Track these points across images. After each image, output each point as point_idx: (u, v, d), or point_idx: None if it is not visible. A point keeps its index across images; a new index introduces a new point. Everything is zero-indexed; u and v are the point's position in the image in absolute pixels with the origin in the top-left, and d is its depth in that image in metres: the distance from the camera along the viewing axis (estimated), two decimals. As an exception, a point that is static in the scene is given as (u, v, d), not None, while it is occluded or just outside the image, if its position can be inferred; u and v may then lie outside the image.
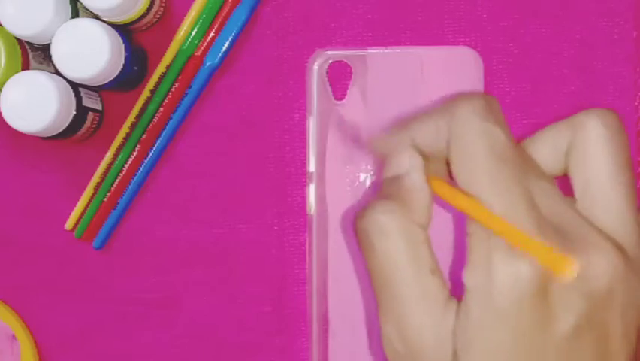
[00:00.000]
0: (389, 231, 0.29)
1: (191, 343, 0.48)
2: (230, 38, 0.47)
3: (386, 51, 0.46)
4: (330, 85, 0.47)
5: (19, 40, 0.43)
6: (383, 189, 0.31)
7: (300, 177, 0.47)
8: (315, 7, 0.47)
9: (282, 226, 0.47)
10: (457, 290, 0.29)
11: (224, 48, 0.47)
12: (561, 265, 0.26)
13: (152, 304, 0.48)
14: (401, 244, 0.29)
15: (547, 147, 0.30)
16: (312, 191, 0.46)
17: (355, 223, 0.31)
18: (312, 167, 0.46)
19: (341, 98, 0.46)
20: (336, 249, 0.46)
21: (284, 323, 0.47)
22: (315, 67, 0.46)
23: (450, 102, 0.29)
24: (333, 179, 0.46)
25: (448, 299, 0.29)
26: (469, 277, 0.28)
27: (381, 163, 0.32)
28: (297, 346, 0.47)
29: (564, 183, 0.30)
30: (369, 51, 0.46)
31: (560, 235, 0.27)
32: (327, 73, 0.46)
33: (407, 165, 0.31)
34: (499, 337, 0.27)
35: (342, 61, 0.47)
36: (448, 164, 0.30)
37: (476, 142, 0.28)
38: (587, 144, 0.29)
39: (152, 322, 0.48)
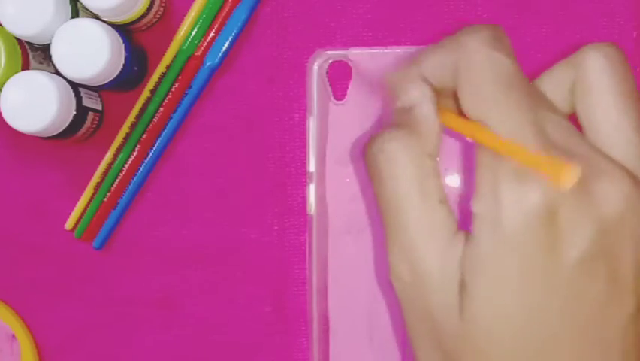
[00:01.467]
0: (398, 158, 0.29)
1: (191, 343, 0.48)
2: (230, 38, 0.47)
3: (386, 51, 0.46)
4: (330, 85, 0.47)
5: (19, 40, 0.43)
6: (394, 119, 0.31)
7: (300, 177, 0.47)
8: (315, 7, 0.47)
9: (282, 225, 0.47)
10: (466, 224, 0.29)
11: (224, 48, 0.47)
12: (563, 172, 0.26)
13: (152, 304, 0.48)
14: (410, 172, 0.29)
15: (552, 86, 0.30)
16: (312, 191, 0.46)
17: (364, 151, 0.30)
18: (312, 167, 0.46)
19: (341, 98, 0.46)
20: (336, 249, 0.46)
21: (284, 323, 0.47)
22: (315, 67, 0.46)
23: (457, 34, 0.29)
24: (333, 179, 0.46)
25: (455, 230, 0.29)
26: (478, 205, 0.28)
27: (392, 97, 0.32)
28: (297, 346, 0.47)
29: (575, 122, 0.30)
30: (369, 51, 0.46)
31: (572, 161, 0.27)
32: (327, 73, 0.46)
33: (418, 96, 0.30)
34: (507, 264, 0.27)
35: (342, 61, 0.47)
36: (456, 99, 0.29)
37: (483, 70, 0.28)
38: (589, 76, 0.29)
39: (152, 322, 0.48)
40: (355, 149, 0.45)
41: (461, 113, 0.29)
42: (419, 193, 0.29)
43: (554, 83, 0.30)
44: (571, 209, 0.26)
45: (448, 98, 0.31)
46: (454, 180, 0.44)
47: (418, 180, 0.29)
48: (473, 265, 0.28)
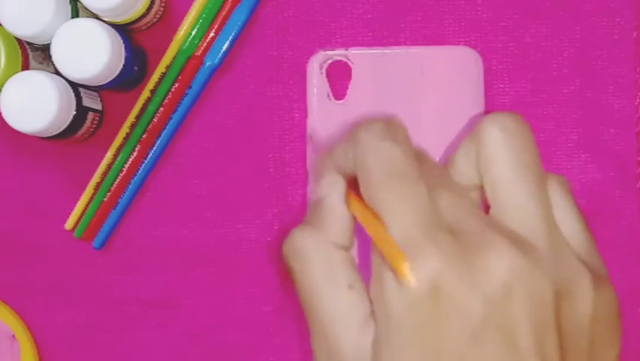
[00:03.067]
0: (304, 253, 0.30)
1: (191, 343, 0.48)
2: (230, 38, 0.47)
3: (386, 51, 0.46)
4: (330, 85, 0.47)
5: (19, 40, 0.43)
6: (307, 215, 0.32)
7: (300, 177, 0.47)
8: (315, 7, 0.47)
9: (282, 226, 0.47)
10: None
11: (224, 48, 0.47)
12: (399, 264, 0.27)
13: (152, 304, 0.48)
14: (316, 264, 0.30)
15: (461, 161, 0.31)
16: (312, 187, 0.46)
17: (281, 252, 0.32)
18: (312, 166, 0.46)
19: (341, 98, 0.46)
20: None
21: (284, 323, 0.47)
22: (315, 67, 0.46)
23: (355, 127, 0.31)
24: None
25: (368, 314, 0.29)
26: (372, 291, 0.29)
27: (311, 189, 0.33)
28: (297, 346, 0.47)
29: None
30: (369, 51, 0.46)
31: (458, 238, 0.27)
32: (327, 73, 0.46)
33: (327, 187, 0.32)
34: (402, 345, 0.27)
35: (342, 61, 0.47)
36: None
37: (371, 160, 0.29)
38: (486, 149, 0.29)
39: (152, 322, 0.48)
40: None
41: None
42: (328, 283, 0.30)
43: (463, 158, 0.31)
44: (454, 287, 0.27)
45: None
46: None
47: (324, 271, 0.30)
48: (376, 349, 0.28)
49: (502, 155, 0.29)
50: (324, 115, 0.46)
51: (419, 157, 0.31)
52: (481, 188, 0.30)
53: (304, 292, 0.30)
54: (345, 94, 0.46)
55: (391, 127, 0.31)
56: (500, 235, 0.27)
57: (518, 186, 0.29)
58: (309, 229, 0.31)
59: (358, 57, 0.46)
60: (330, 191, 0.32)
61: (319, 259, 0.30)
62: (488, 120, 0.30)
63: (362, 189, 0.30)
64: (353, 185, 0.31)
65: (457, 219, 0.28)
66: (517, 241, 0.27)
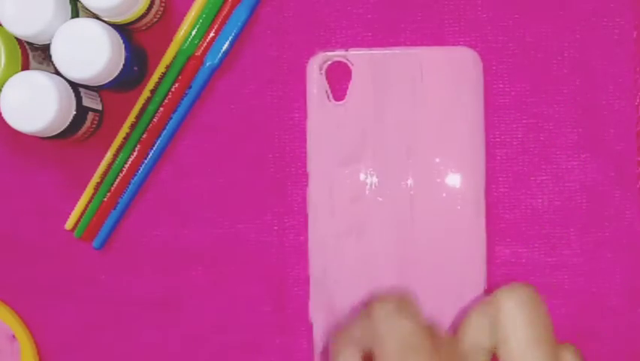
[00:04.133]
0: None
1: (191, 343, 0.48)
2: (230, 38, 0.47)
3: (386, 52, 0.46)
4: (330, 85, 0.47)
5: (19, 40, 0.43)
6: None
7: (300, 177, 0.47)
8: (315, 7, 0.47)
9: (282, 226, 0.47)
10: None
11: (224, 48, 0.47)
12: None
13: (152, 304, 0.48)
14: None
15: (474, 326, 0.33)
16: (312, 191, 0.46)
17: None
18: (311, 167, 0.46)
19: (341, 99, 0.46)
20: (337, 250, 0.46)
21: (284, 323, 0.47)
22: (315, 67, 0.46)
23: (369, 305, 0.34)
24: (333, 180, 0.46)
25: None
26: None
27: None
28: (297, 346, 0.47)
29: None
30: (368, 52, 0.46)
31: None
32: (327, 73, 0.46)
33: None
34: None
35: (341, 61, 0.47)
36: None
37: (388, 338, 0.32)
38: (503, 322, 0.32)
39: (152, 322, 0.48)
40: None
41: None
42: None
43: (476, 324, 0.33)
44: None
45: None
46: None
47: None
48: None
49: (518, 330, 0.32)
50: (323, 116, 0.46)
51: (431, 331, 0.33)
52: (492, 351, 0.33)
53: None
54: (345, 95, 0.46)
55: (404, 304, 0.33)
56: None
57: (531, 358, 0.31)
58: None
59: (358, 58, 0.46)
60: None
61: None
62: (505, 293, 0.32)
63: None
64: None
65: None
66: None
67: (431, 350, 0.31)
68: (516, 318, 0.32)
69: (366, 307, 0.34)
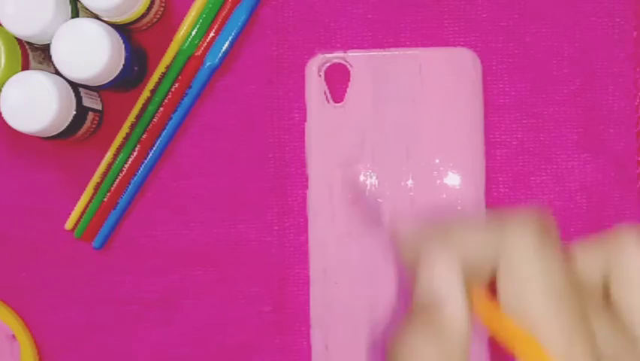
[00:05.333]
0: (425, 358, 0.27)
1: (191, 343, 0.48)
2: (230, 38, 0.47)
3: (385, 53, 0.46)
4: (330, 87, 0.46)
5: (19, 40, 0.43)
6: (419, 313, 0.29)
7: (300, 177, 0.47)
8: (315, 7, 0.47)
9: (282, 225, 0.47)
10: None
11: (224, 48, 0.47)
12: None
13: (152, 304, 0.48)
14: None
15: (586, 264, 0.29)
16: (311, 192, 0.46)
17: (389, 347, 0.29)
18: (311, 169, 0.46)
19: (340, 101, 0.46)
20: (337, 251, 0.46)
21: (284, 323, 0.47)
22: (314, 69, 0.46)
23: (502, 221, 0.28)
24: (332, 180, 0.46)
25: None
26: None
27: (416, 279, 0.29)
28: (297, 346, 0.47)
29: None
30: (367, 53, 0.46)
31: None
32: (326, 75, 0.46)
33: (446, 289, 0.28)
34: None
35: (340, 63, 0.47)
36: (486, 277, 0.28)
37: (533, 277, 0.26)
38: (627, 271, 0.28)
39: (152, 322, 0.48)
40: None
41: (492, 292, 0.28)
42: None
43: (588, 261, 0.29)
44: None
45: (477, 273, 0.29)
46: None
47: None
48: None
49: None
50: (323, 118, 0.46)
51: (572, 268, 0.28)
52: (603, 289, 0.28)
53: None
54: (344, 96, 0.46)
55: (547, 230, 0.27)
56: None
57: None
58: (429, 332, 0.28)
59: (357, 59, 0.46)
60: (451, 292, 0.28)
61: None
62: (626, 234, 0.28)
63: (510, 300, 0.27)
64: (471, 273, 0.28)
65: (615, 351, 0.27)
66: None
67: (581, 302, 0.26)
68: (636, 256, 0.27)
69: (494, 224, 0.28)
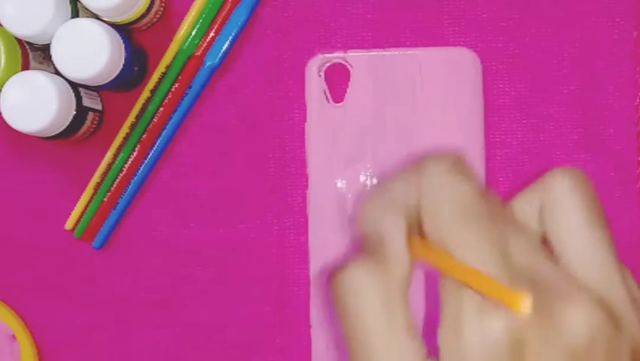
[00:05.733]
0: (365, 290, 0.29)
1: (191, 343, 0.48)
2: (230, 38, 0.47)
3: (384, 53, 0.46)
4: (330, 87, 0.46)
5: (19, 40, 0.43)
6: (363, 250, 0.30)
7: (300, 177, 0.47)
8: (315, 7, 0.47)
9: (282, 225, 0.47)
10: (436, 352, 0.29)
11: (224, 48, 0.47)
12: (516, 300, 0.26)
13: (152, 304, 0.48)
14: (377, 305, 0.29)
15: (523, 209, 0.30)
16: (311, 192, 0.46)
17: (331, 280, 0.30)
18: (311, 169, 0.46)
19: (340, 101, 0.46)
20: (337, 251, 0.46)
21: (284, 323, 0.47)
22: (314, 70, 0.46)
23: (420, 161, 0.30)
24: (332, 180, 0.46)
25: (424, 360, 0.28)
26: (441, 338, 0.28)
27: (361, 226, 0.31)
28: (297, 346, 0.47)
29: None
30: (367, 53, 0.46)
31: (535, 288, 0.26)
32: (326, 75, 0.46)
33: (389, 227, 0.30)
34: None
35: (340, 63, 0.47)
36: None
37: (444, 199, 0.28)
38: (558, 197, 0.29)
39: (152, 322, 0.48)
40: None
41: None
42: (386, 326, 0.29)
43: (525, 207, 0.30)
44: (536, 339, 0.26)
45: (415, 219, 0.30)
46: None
47: (385, 313, 0.29)
48: None
49: (576, 210, 0.28)
50: (323, 118, 0.46)
51: (487, 196, 0.29)
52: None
53: (357, 330, 0.29)
54: (344, 97, 0.46)
55: (461, 164, 0.29)
56: (579, 289, 0.27)
57: (594, 243, 0.28)
58: (372, 265, 0.29)
59: (357, 59, 0.46)
60: (393, 232, 0.30)
61: (380, 299, 0.29)
62: (558, 171, 0.29)
63: (430, 227, 0.28)
64: (413, 228, 0.30)
65: (532, 267, 0.27)
66: (601, 302, 0.27)
67: (493, 218, 0.28)
68: (572, 192, 0.28)
69: (413, 165, 0.30)
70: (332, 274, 0.30)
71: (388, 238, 0.30)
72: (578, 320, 0.26)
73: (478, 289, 0.26)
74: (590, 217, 0.28)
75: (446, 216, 0.28)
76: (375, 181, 0.46)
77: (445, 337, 0.27)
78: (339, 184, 0.46)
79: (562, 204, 0.29)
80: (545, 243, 0.29)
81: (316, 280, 0.45)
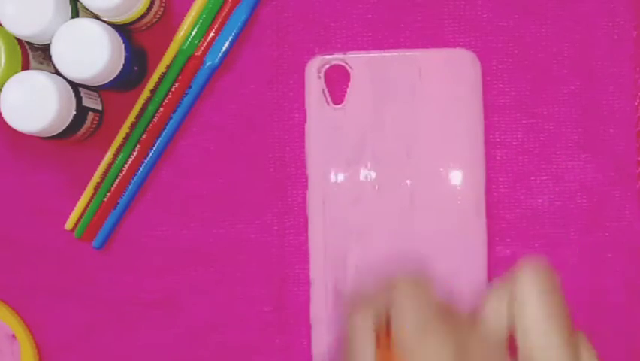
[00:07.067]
0: None
1: (191, 343, 0.48)
2: (230, 38, 0.47)
3: (384, 54, 0.46)
4: (329, 89, 0.46)
5: (19, 40, 0.43)
6: (340, 356, 0.34)
7: (300, 177, 0.47)
8: (315, 7, 0.47)
9: (282, 225, 0.47)
10: None
11: (224, 48, 0.47)
12: None
13: (152, 304, 0.48)
14: None
15: (494, 303, 0.34)
16: (311, 192, 0.46)
17: None
18: (311, 170, 0.46)
19: (339, 102, 0.46)
20: (337, 251, 0.46)
21: (284, 323, 0.47)
22: (314, 71, 0.46)
23: (392, 280, 0.34)
24: (332, 181, 0.46)
25: None
26: None
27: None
28: (297, 346, 0.47)
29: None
30: (366, 55, 0.46)
31: None
32: (325, 77, 0.46)
33: (359, 338, 0.34)
34: None
35: (340, 65, 0.46)
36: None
37: (408, 315, 0.32)
38: (521, 298, 0.32)
39: (152, 322, 0.48)
40: None
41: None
42: None
43: (495, 304, 0.34)
44: None
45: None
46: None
47: None
48: None
49: (535, 306, 0.32)
50: (322, 119, 0.46)
51: (450, 312, 0.33)
52: (511, 330, 0.33)
53: None
54: (344, 98, 0.46)
55: (423, 283, 0.34)
56: None
57: (550, 337, 0.32)
58: None
59: (356, 61, 0.46)
60: (364, 343, 0.34)
61: None
62: (525, 273, 0.33)
63: (397, 339, 0.32)
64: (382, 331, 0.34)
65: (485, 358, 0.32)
66: None
67: (448, 332, 0.32)
68: (533, 295, 0.32)
69: (387, 280, 0.35)
70: None
71: (358, 346, 0.34)
72: None
73: None
74: (550, 315, 0.32)
75: (410, 330, 0.32)
76: (377, 187, 0.46)
77: None
78: (339, 185, 0.46)
79: (523, 301, 0.32)
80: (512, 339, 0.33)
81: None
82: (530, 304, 0.32)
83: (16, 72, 0.42)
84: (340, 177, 0.46)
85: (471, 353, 0.32)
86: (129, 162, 0.47)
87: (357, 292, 0.37)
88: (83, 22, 0.41)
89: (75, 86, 0.44)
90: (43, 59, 0.45)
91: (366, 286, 0.36)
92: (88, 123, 0.45)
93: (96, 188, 0.47)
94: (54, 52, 0.41)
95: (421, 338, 0.32)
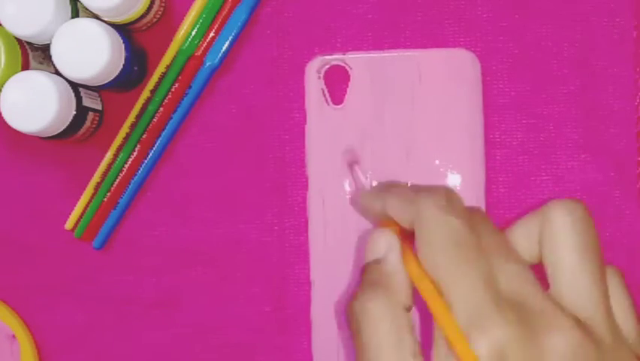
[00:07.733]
0: (374, 316, 0.31)
1: (191, 343, 0.48)
2: (230, 38, 0.47)
3: (384, 55, 0.46)
4: (329, 89, 0.46)
5: (19, 40, 0.43)
6: (367, 275, 0.33)
7: (300, 177, 0.47)
8: (315, 7, 0.47)
9: (282, 226, 0.47)
10: None
11: (224, 48, 0.47)
12: (461, 349, 0.28)
13: (151, 304, 0.48)
14: (385, 329, 0.31)
15: (521, 238, 0.32)
16: (311, 192, 0.46)
17: (346, 311, 0.32)
18: (311, 170, 0.46)
19: (339, 103, 0.46)
20: (336, 251, 0.46)
21: (284, 323, 0.47)
22: (313, 71, 0.46)
23: (416, 192, 0.33)
24: (332, 181, 0.46)
25: None
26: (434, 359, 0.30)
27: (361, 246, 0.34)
28: (297, 346, 0.47)
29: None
30: (366, 55, 0.46)
31: (521, 313, 0.28)
32: (325, 77, 0.46)
33: (383, 248, 0.33)
34: None
35: (340, 65, 0.46)
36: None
37: (437, 232, 0.30)
38: (554, 232, 0.31)
39: (152, 322, 0.48)
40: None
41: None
42: (393, 350, 0.31)
43: (524, 236, 0.32)
44: (520, 359, 0.27)
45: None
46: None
47: (392, 337, 0.31)
48: None
49: (570, 238, 0.30)
50: (322, 120, 0.46)
51: (482, 223, 0.32)
52: (537, 264, 0.31)
53: (367, 351, 0.31)
54: (344, 98, 0.46)
55: (452, 198, 0.32)
56: (564, 315, 0.29)
57: (583, 272, 0.30)
58: (378, 292, 0.31)
59: (356, 61, 0.46)
60: (388, 251, 0.33)
61: (388, 323, 0.31)
62: (557, 203, 0.31)
63: (424, 256, 0.31)
64: (405, 238, 0.33)
65: (519, 293, 0.29)
66: (581, 324, 0.29)
67: (480, 248, 0.30)
68: (568, 225, 0.30)
69: (412, 192, 0.33)
70: (347, 305, 0.32)
71: (384, 257, 0.33)
72: (561, 344, 0.28)
73: (442, 329, 0.29)
74: (583, 250, 0.30)
75: (438, 248, 0.30)
76: (375, 182, 0.46)
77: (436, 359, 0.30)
78: (339, 184, 0.46)
79: (559, 240, 0.31)
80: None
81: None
82: (563, 236, 0.30)
83: (16, 72, 0.42)
84: (339, 177, 0.46)
85: (504, 278, 0.30)
86: (129, 162, 0.47)
87: (384, 187, 0.34)
88: (83, 22, 0.41)
89: (75, 86, 0.44)
90: (43, 59, 0.45)
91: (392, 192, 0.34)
92: (88, 123, 0.45)
93: (96, 188, 0.47)
94: (54, 52, 0.41)
95: (450, 255, 0.30)
